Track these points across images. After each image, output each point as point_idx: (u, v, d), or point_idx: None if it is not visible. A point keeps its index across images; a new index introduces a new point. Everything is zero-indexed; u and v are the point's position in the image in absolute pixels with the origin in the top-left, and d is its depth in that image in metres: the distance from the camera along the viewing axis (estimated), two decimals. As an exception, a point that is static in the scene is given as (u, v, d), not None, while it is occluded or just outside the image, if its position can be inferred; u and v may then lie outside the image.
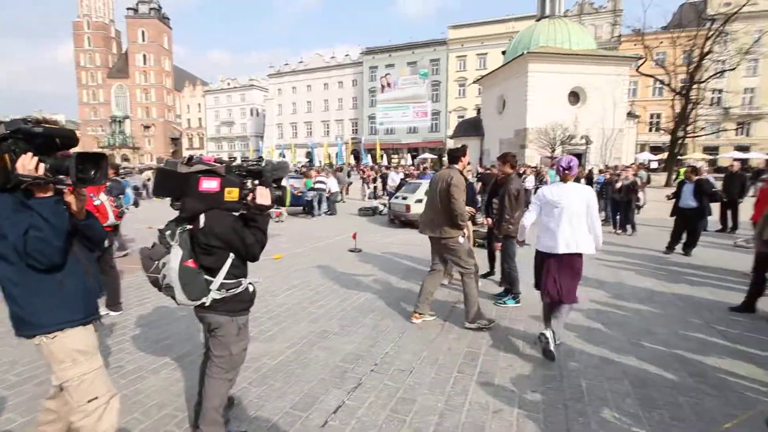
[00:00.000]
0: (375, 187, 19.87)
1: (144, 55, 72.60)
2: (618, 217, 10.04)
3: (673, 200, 7.96)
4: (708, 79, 26.10)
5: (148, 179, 20.26)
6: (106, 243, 4.22)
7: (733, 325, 4.19)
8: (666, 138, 29.28)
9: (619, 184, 9.80)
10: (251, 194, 2.09)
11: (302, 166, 22.89)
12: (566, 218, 3.35)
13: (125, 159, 61.68)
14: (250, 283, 2.23)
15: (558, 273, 3.40)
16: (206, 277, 2.05)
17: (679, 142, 26.71)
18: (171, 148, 73.80)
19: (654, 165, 32.00)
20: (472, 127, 38.22)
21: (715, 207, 9.11)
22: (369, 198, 18.81)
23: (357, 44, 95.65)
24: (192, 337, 3.71)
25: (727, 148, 36.98)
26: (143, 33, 72.26)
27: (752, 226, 6.30)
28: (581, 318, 4.27)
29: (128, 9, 72.32)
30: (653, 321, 4.30)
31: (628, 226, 9.78)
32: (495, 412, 2.67)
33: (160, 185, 2.13)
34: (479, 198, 8.94)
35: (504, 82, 33.50)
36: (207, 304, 2.08)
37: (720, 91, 36.25)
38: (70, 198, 1.72)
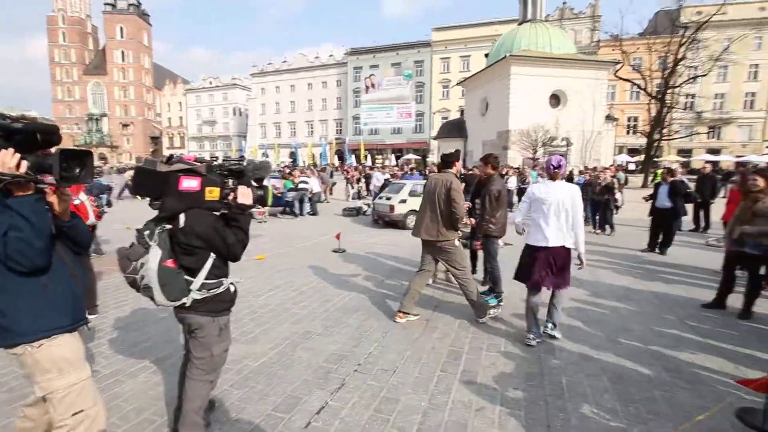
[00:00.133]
0: (359, 188, 19.85)
1: (122, 52, 70.79)
2: (597, 217, 10.29)
3: (650, 201, 8.21)
4: (682, 84, 27.09)
5: (131, 178, 19.75)
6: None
7: (705, 321, 4.34)
8: (643, 140, 30.20)
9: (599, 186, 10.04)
10: (232, 194, 2.06)
11: (285, 166, 22.62)
12: (554, 214, 3.58)
13: (102, 158, 59.99)
14: (231, 283, 2.20)
15: (549, 264, 3.65)
16: (186, 277, 2.02)
17: (655, 144, 27.59)
18: (151, 147, 72.15)
19: (631, 167, 32.93)
20: (455, 129, 38.53)
21: (689, 207, 9.42)
22: (353, 198, 18.77)
23: (341, 44, 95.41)
24: (172, 340, 3.63)
25: (699, 150, 38.39)
26: (121, 29, 70.47)
27: (723, 226, 6.56)
28: (561, 316, 4.35)
29: (106, 4, 70.39)
30: (630, 318, 4.42)
31: (607, 226, 10.02)
32: (478, 410, 2.70)
33: (139, 184, 2.08)
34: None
35: (487, 85, 33.92)
36: (187, 305, 2.04)
37: (693, 96, 37.74)
38: (52, 198, 1.62)
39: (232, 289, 2.21)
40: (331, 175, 21.31)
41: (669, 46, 25.82)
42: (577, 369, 3.28)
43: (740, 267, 4.76)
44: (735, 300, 4.60)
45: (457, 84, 42.46)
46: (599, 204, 10.10)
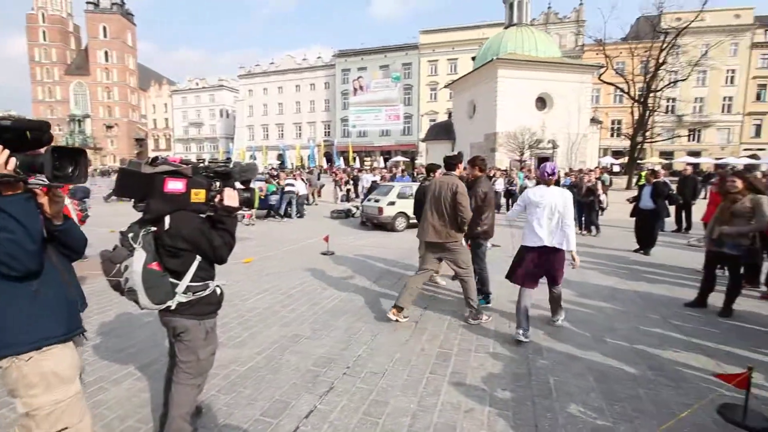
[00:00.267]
0: (348, 190, 19.82)
1: (106, 52, 69.40)
2: (583, 218, 10.44)
3: (634, 203, 8.39)
4: (663, 88, 27.76)
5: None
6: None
7: (687, 319, 4.44)
8: (626, 143, 30.80)
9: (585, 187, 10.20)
10: (219, 196, 2.04)
11: (272, 168, 22.40)
12: (547, 216, 3.81)
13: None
14: (217, 286, 2.18)
15: (542, 263, 3.89)
16: (171, 279, 1.99)
17: (638, 147, 28.20)
18: (136, 149, 70.84)
19: (616, 169, 33.58)
20: (443, 131, 38.74)
21: (671, 209, 9.63)
22: (341, 201, 18.73)
23: (329, 46, 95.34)
24: (158, 344, 3.57)
25: (680, 153, 39.37)
26: (105, 29, 69.10)
27: (704, 227, 6.72)
28: (549, 316, 4.40)
29: (88, 3, 68.88)
30: (615, 318, 4.49)
31: (593, 227, 10.19)
32: (467, 412, 2.71)
33: (123, 186, 2.03)
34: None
35: (474, 87, 34.21)
36: (173, 308, 2.01)
37: (674, 99, 38.75)
38: (43, 200, 1.51)
39: (218, 291, 2.18)
40: (319, 178, 21.24)
41: (650, 50, 26.48)
42: (564, 369, 3.32)
43: (721, 266, 4.88)
44: (716, 298, 4.72)
45: (445, 86, 42.74)
46: (584, 205, 10.26)
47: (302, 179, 15.08)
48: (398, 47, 49.65)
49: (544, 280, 4.04)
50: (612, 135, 42.53)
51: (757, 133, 41.31)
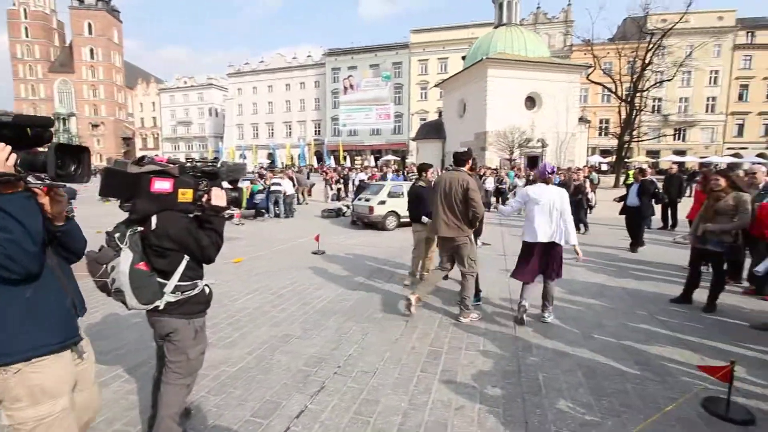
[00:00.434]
0: (338, 189, 19.77)
1: (91, 49, 68.09)
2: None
3: (622, 202, 8.53)
4: (649, 88, 28.23)
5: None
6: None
7: (673, 315, 4.52)
8: (614, 142, 31.24)
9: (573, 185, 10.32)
10: (206, 195, 2.02)
11: (261, 167, 22.18)
12: (546, 213, 4.07)
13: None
14: (206, 285, 2.16)
15: (542, 258, 4.16)
16: (159, 279, 1.97)
17: (626, 146, 28.59)
18: (123, 148, 69.72)
19: (604, 167, 34.03)
20: (434, 130, 38.88)
21: (657, 207, 9.80)
22: (332, 200, 18.67)
23: (319, 45, 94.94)
24: (146, 346, 3.52)
25: (666, 152, 40.06)
26: (90, 25, 67.82)
27: (689, 224, 6.85)
28: (539, 313, 4.44)
29: (72, -1, 67.75)
30: (604, 314, 4.56)
31: (581, 225, 10.31)
32: (457, 409, 2.73)
33: (108, 186, 2.00)
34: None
35: (464, 87, 34.38)
36: (161, 308, 1.99)
37: (660, 99, 39.41)
38: (44, 200, 1.44)
39: (207, 290, 2.17)
40: (308, 177, 21.12)
41: (637, 51, 26.86)
42: (553, 365, 3.35)
43: (705, 263, 4.98)
44: (700, 294, 4.81)
45: (435, 86, 42.88)
46: (573, 204, 10.36)
47: (289, 178, 14.91)
48: (388, 46, 49.64)
49: (540, 279, 4.26)
50: (600, 134, 43.10)
51: (740, 133, 42.25)
